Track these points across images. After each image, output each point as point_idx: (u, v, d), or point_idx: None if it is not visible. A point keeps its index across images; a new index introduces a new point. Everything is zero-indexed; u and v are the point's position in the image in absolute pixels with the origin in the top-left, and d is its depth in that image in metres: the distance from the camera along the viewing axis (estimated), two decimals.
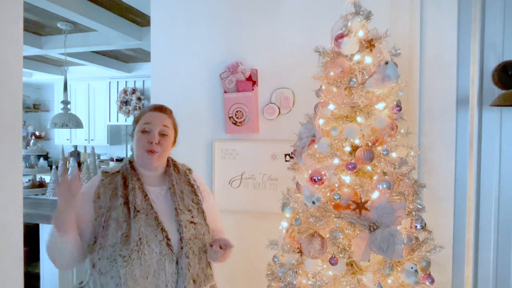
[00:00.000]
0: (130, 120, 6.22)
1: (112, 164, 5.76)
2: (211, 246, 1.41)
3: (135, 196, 1.37)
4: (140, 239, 1.30)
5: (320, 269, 1.37)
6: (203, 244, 1.44)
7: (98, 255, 1.30)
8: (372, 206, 1.27)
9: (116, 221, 1.33)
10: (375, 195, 1.34)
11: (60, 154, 3.82)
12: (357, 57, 1.41)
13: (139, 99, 6.12)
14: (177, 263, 1.36)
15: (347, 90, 1.40)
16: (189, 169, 1.61)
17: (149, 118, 1.44)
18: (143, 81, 6.26)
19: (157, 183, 1.48)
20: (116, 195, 1.38)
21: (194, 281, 1.38)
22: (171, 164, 1.53)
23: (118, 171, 1.45)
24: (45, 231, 2.75)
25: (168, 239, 1.35)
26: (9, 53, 1.71)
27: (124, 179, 1.42)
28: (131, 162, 1.47)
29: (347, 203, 1.32)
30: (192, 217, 1.44)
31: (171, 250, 1.34)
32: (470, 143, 1.94)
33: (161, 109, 1.49)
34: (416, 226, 1.42)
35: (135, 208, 1.34)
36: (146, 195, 1.40)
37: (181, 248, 1.36)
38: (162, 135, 1.44)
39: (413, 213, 1.42)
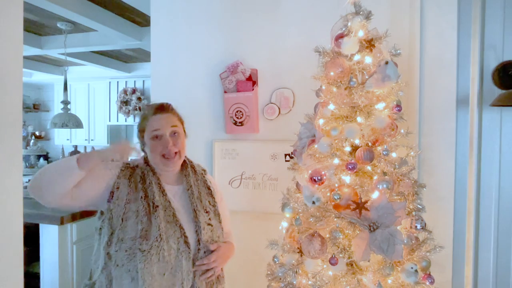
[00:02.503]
0: (130, 120, 6.22)
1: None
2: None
3: (153, 192, 1.37)
4: (160, 235, 1.30)
5: (320, 269, 1.37)
6: (218, 245, 1.45)
7: (116, 247, 1.30)
8: (372, 206, 1.27)
9: (136, 214, 1.32)
10: (375, 195, 1.34)
11: (60, 154, 3.82)
12: (357, 57, 1.41)
13: (139, 99, 6.12)
14: (193, 263, 1.37)
15: (347, 90, 1.40)
16: (204, 170, 1.62)
17: (156, 124, 1.42)
18: (143, 81, 6.26)
19: (173, 182, 1.48)
20: (136, 188, 1.37)
21: (207, 283, 1.41)
22: (188, 164, 1.53)
23: (137, 165, 1.44)
24: (45, 231, 2.75)
25: (186, 237, 1.36)
26: (9, 53, 1.71)
27: (143, 174, 1.41)
28: (145, 158, 1.47)
29: (347, 203, 1.32)
30: (210, 219, 1.45)
31: (188, 248, 1.35)
32: (470, 143, 1.94)
33: (163, 109, 1.46)
34: (416, 226, 1.41)
35: (153, 203, 1.34)
36: (164, 191, 1.40)
37: (198, 249, 1.38)
38: (174, 134, 1.43)
39: (413, 213, 1.42)
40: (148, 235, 1.29)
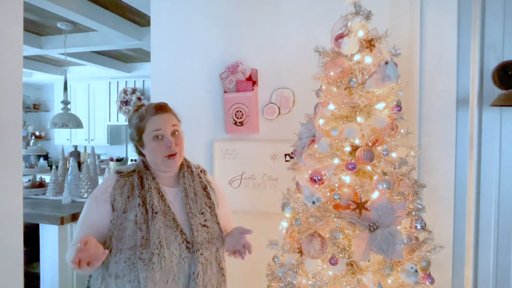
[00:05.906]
0: None
1: (112, 164, 5.76)
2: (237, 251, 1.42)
3: (152, 197, 1.34)
4: (160, 242, 1.28)
5: (320, 269, 1.37)
6: (216, 248, 1.42)
7: (114, 259, 1.28)
8: (372, 206, 1.27)
9: (133, 222, 1.30)
10: (375, 195, 1.34)
11: (60, 154, 3.82)
12: (357, 57, 1.41)
13: (139, 99, 6.12)
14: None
15: (347, 90, 1.40)
16: (203, 170, 1.58)
17: (157, 124, 1.39)
18: (143, 81, 6.26)
19: (172, 184, 1.45)
20: (132, 196, 1.34)
21: (205, 286, 1.35)
22: (184, 165, 1.50)
23: (133, 170, 1.41)
24: (45, 231, 2.75)
25: (188, 242, 1.33)
26: (9, 53, 1.71)
27: (140, 179, 1.38)
28: (144, 162, 1.44)
29: (347, 203, 1.32)
30: (205, 220, 1.41)
31: (190, 253, 1.33)
32: (470, 143, 1.94)
33: (162, 108, 1.44)
34: (416, 226, 1.42)
35: (152, 209, 1.32)
36: (163, 195, 1.38)
37: (193, 252, 1.34)
38: (175, 133, 1.42)
39: (413, 213, 1.42)
40: (148, 243, 1.26)
